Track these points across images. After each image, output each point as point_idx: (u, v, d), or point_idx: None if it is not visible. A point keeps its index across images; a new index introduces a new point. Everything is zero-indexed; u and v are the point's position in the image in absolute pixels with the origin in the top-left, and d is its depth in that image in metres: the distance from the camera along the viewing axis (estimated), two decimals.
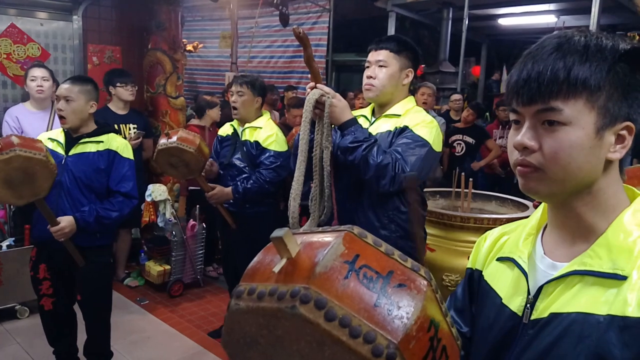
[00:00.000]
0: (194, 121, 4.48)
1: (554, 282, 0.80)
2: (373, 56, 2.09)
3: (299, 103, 3.91)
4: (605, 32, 0.81)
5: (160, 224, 4.02)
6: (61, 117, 2.41)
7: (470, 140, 5.38)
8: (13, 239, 3.58)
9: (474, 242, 2.65)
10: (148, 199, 3.94)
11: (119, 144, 2.51)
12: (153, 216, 4.03)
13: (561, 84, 0.74)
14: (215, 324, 3.52)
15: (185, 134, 2.87)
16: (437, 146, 2.05)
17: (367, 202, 2.07)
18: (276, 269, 0.62)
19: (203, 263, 4.30)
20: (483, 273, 0.98)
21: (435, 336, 0.62)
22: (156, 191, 3.93)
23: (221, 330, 2.63)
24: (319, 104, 1.90)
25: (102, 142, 2.48)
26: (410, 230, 2.10)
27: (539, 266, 0.86)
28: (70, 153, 2.44)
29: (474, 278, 1.01)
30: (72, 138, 2.47)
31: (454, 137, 5.44)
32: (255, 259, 0.70)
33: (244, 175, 3.03)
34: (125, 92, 3.92)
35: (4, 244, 3.53)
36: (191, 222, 4.14)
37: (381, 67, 2.06)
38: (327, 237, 0.65)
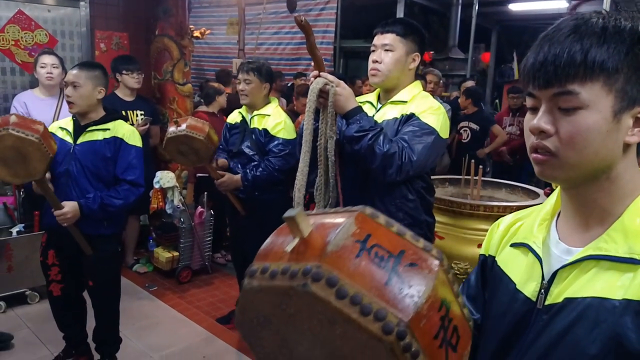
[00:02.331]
0: (202, 108, 4.48)
1: (568, 267, 0.80)
2: (379, 40, 2.06)
3: (308, 91, 3.87)
4: (624, 13, 0.79)
5: (169, 211, 4.04)
6: (69, 103, 2.42)
7: (474, 126, 5.34)
8: (23, 225, 3.62)
9: (483, 230, 2.63)
10: (156, 186, 3.95)
11: (126, 131, 2.51)
12: (161, 203, 4.06)
13: (578, 67, 0.73)
14: (223, 310, 3.54)
15: (194, 122, 2.87)
16: (444, 133, 2.03)
17: (374, 191, 2.05)
18: (288, 248, 0.62)
19: (211, 250, 4.32)
20: (496, 259, 0.97)
21: (446, 316, 0.62)
22: (164, 178, 3.94)
23: (229, 316, 2.67)
24: (323, 93, 1.88)
25: (108, 129, 2.48)
26: (418, 217, 2.09)
27: (553, 251, 0.85)
28: (78, 141, 2.45)
29: (487, 264, 1.00)
30: (80, 126, 2.47)
31: (460, 124, 5.41)
32: (268, 240, 0.70)
33: (253, 163, 3.03)
34: (130, 80, 3.92)
35: (14, 230, 3.57)
36: (199, 209, 4.16)
37: (387, 51, 2.02)
38: (339, 218, 0.65)
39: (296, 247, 0.62)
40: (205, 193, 4.10)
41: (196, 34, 4.76)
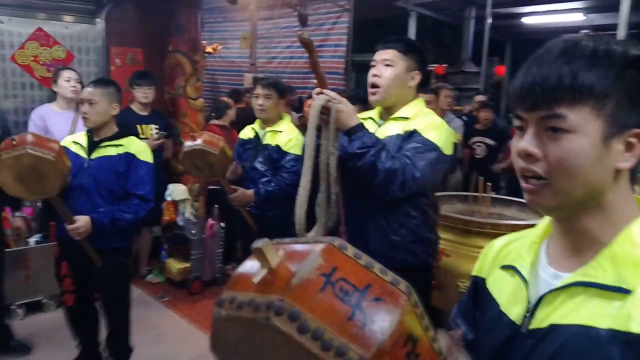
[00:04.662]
0: (214, 121, 4.56)
1: (555, 292, 0.78)
2: (380, 55, 2.07)
3: (351, 97, 3.88)
4: (617, 38, 0.79)
5: (180, 223, 4.10)
6: (85, 119, 2.50)
7: (490, 142, 5.30)
8: (40, 235, 3.70)
9: None
10: (168, 199, 4.02)
11: (137, 147, 2.57)
12: (173, 215, 4.12)
13: (566, 90, 0.72)
14: None
15: (209, 137, 2.93)
16: (447, 149, 2.02)
17: (377, 208, 2.05)
18: (256, 280, 0.63)
19: (222, 262, 4.36)
20: (486, 280, 0.97)
21: (413, 351, 0.62)
22: (176, 191, 4.02)
23: None
24: (325, 109, 1.90)
25: (122, 145, 2.54)
26: (421, 234, 2.10)
27: (541, 275, 0.84)
28: (92, 157, 2.51)
29: (478, 286, 1.00)
30: (93, 141, 2.55)
31: (474, 139, 5.36)
32: (242, 266, 0.72)
33: (265, 179, 3.06)
34: (139, 94, 4.01)
35: (32, 240, 3.65)
36: (210, 221, 4.21)
37: (387, 66, 2.04)
38: (308, 249, 0.66)
39: (264, 278, 0.63)
40: (216, 206, 4.16)
41: (208, 49, 4.85)
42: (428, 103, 4.12)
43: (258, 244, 0.64)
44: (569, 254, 0.81)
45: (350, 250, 0.67)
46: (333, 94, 1.91)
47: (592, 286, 0.74)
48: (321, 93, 1.91)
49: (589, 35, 0.77)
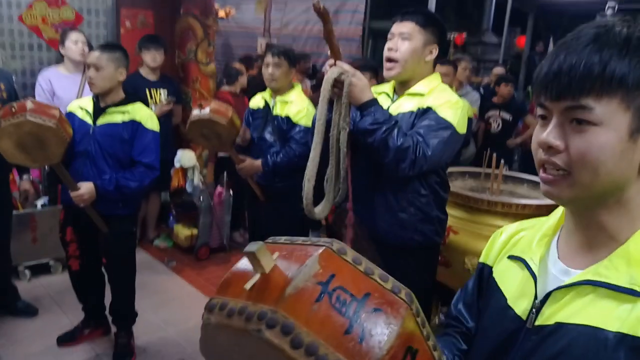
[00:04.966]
0: (225, 87, 4.48)
1: (564, 289, 0.76)
2: (397, 28, 1.99)
3: (362, 66, 3.80)
4: None
5: (189, 190, 4.09)
6: (91, 84, 2.46)
7: (507, 116, 5.18)
8: (47, 197, 3.72)
9: (500, 227, 2.61)
10: (177, 165, 4.00)
11: (143, 114, 2.53)
12: (182, 181, 4.11)
13: (595, 80, 0.67)
14: None
15: (217, 106, 2.87)
16: (462, 128, 1.97)
17: (386, 185, 2.02)
18: (248, 285, 0.60)
19: (230, 229, 4.37)
20: (493, 269, 0.94)
21: None
22: (185, 157, 3.99)
23: None
24: (337, 83, 1.84)
25: (128, 112, 2.50)
26: (430, 213, 2.06)
27: (550, 270, 0.81)
28: (98, 123, 2.48)
29: (484, 273, 0.97)
30: (99, 107, 2.50)
31: (489, 113, 5.25)
32: (234, 267, 0.68)
33: (274, 149, 3.02)
34: (147, 57, 3.93)
35: (39, 203, 3.66)
36: (218, 188, 4.19)
37: (404, 39, 1.96)
38: (305, 252, 0.63)
39: (256, 284, 0.60)
40: (225, 173, 4.13)
41: (221, 14, 4.73)
42: (446, 75, 4.09)
43: (252, 247, 0.60)
44: (581, 249, 0.78)
45: (350, 254, 0.64)
46: (347, 66, 1.86)
47: (603, 286, 0.71)
48: (334, 65, 1.86)
49: (623, 19, 0.71)
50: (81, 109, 2.53)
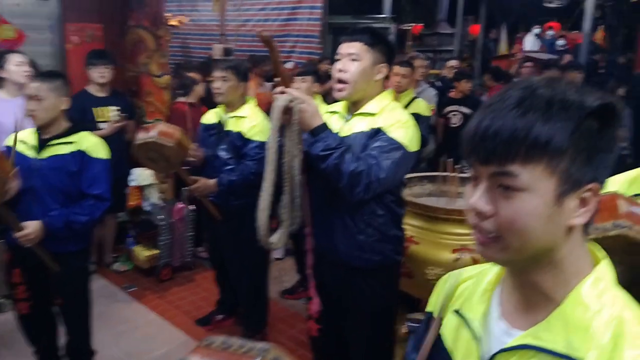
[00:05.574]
0: (181, 98, 4.37)
1: (506, 352, 0.76)
2: (345, 48, 1.98)
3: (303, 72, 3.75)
4: (576, 84, 0.73)
5: (147, 208, 3.98)
6: (32, 116, 2.32)
7: (467, 110, 5.23)
8: None
9: (459, 234, 2.58)
10: (132, 184, 3.88)
11: (90, 143, 2.41)
12: (139, 200, 4.00)
13: (519, 146, 0.68)
14: (204, 309, 3.52)
15: (165, 127, 2.79)
16: (413, 146, 1.99)
17: (343, 207, 2.01)
18: None
19: (193, 244, 4.27)
20: (442, 323, 0.93)
21: None
22: (141, 176, 3.89)
23: (209, 317, 2.76)
24: (287, 110, 1.82)
25: (73, 142, 2.38)
26: (387, 232, 2.06)
27: (493, 329, 0.81)
28: (42, 156, 2.35)
29: (431, 325, 0.95)
30: (42, 140, 2.38)
31: (449, 108, 5.29)
32: None
33: (228, 167, 2.96)
34: (94, 74, 3.78)
35: None
36: (179, 204, 4.09)
37: (353, 60, 1.95)
38: None
39: None
40: (185, 188, 4.03)
41: (173, 22, 4.61)
42: (405, 77, 4.10)
43: None
44: (521, 307, 0.79)
45: None
46: (296, 93, 1.84)
47: (542, 351, 0.72)
48: (283, 92, 1.83)
49: (548, 80, 0.72)
50: (22, 142, 2.39)
